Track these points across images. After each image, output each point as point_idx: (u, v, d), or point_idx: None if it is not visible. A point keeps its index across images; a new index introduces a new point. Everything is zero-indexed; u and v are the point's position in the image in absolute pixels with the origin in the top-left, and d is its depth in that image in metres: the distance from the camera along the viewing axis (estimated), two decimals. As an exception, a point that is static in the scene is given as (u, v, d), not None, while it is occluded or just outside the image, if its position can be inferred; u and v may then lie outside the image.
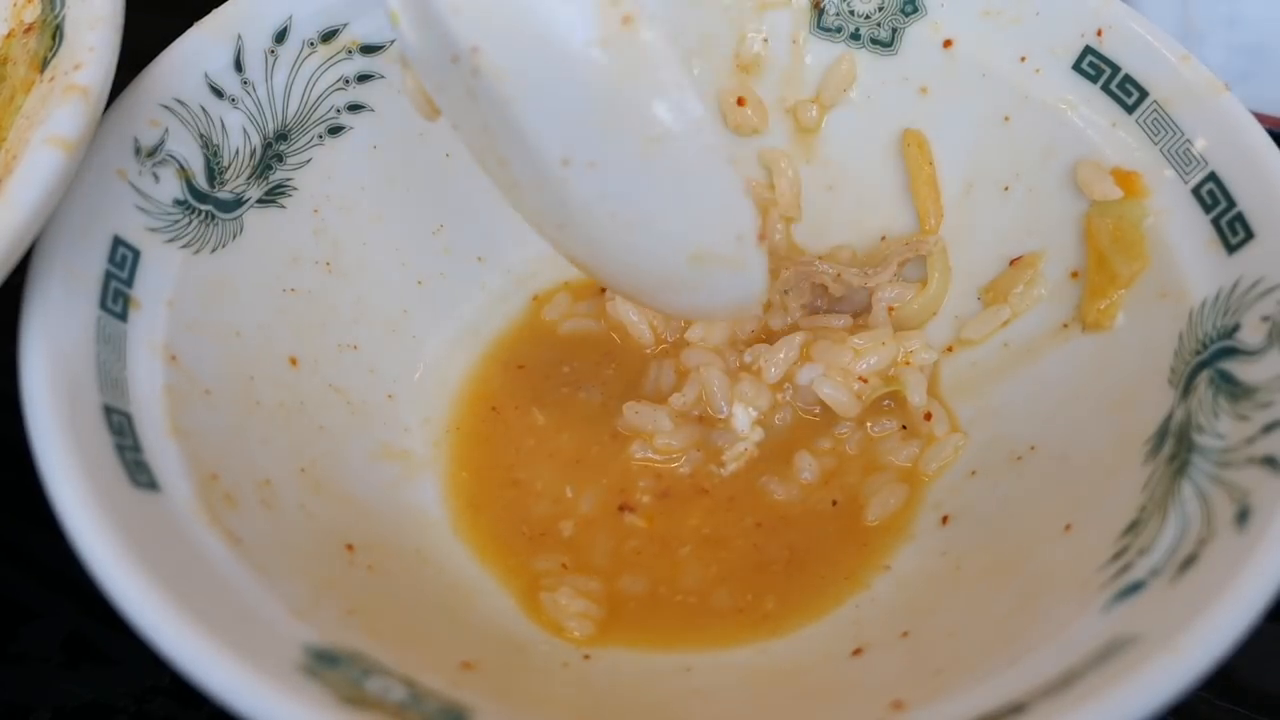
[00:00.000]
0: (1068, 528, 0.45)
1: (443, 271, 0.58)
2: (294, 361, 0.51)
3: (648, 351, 0.58)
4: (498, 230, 0.59)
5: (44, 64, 0.46)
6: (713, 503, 0.52)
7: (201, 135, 0.49)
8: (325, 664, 0.37)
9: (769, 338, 0.57)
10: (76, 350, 0.41)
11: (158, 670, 0.45)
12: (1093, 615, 0.39)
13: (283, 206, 0.52)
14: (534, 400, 0.56)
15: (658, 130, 0.40)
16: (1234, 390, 0.43)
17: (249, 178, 0.51)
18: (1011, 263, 0.55)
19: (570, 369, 0.57)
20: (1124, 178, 0.51)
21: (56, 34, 0.46)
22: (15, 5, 0.50)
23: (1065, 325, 0.52)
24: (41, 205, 0.40)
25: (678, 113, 0.40)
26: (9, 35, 0.49)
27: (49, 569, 0.53)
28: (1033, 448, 0.50)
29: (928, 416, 0.54)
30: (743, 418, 0.54)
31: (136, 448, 0.41)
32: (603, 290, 0.59)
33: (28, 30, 0.48)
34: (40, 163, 0.40)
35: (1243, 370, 0.43)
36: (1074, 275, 0.53)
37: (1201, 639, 0.35)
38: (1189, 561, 0.39)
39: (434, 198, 0.58)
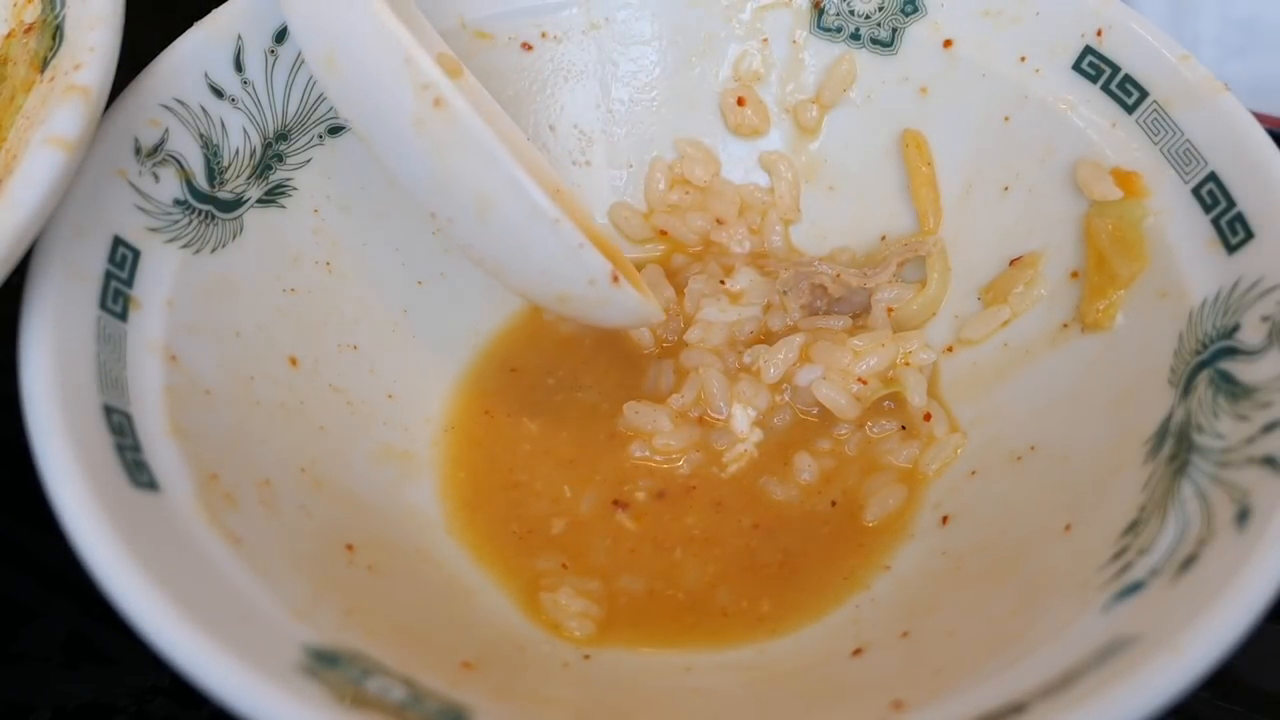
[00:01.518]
0: (1067, 528, 0.45)
1: (443, 271, 0.58)
2: (294, 361, 0.51)
3: (647, 352, 0.58)
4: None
5: (44, 64, 0.46)
6: (710, 503, 0.52)
7: (201, 135, 0.49)
8: (325, 664, 0.37)
9: (768, 338, 0.57)
10: (77, 350, 0.41)
11: (158, 670, 0.45)
12: (1093, 615, 0.39)
13: (283, 206, 0.52)
14: (524, 406, 0.56)
15: (483, 197, 0.44)
16: (1234, 390, 0.43)
17: (249, 177, 0.51)
18: (1011, 263, 0.55)
19: (566, 371, 0.57)
20: (1124, 178, 0.51)
21: (56, 34, 0.46)
22: (15, 5, 0.50)
23: (1065, 325, 0.52)
24: (41, 205, 0.40)
25: (497, 183, 0.44)
26: (9, 35, 0.49)
27: (49, 569, 0.52)
28: (1033, 448, 0.50)
29: (927, 417, 0.54)
30: (742, 418, 0.54)
31: (136, 447, 0.41)
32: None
33: (28, 30, 0.48)
34: (40, 163, 0.40)
35: (1243, 370, 0.43)
36: (1074, 275, 0.53)
37: (1201, 639, 0.35)
38: (1189, 561, 0.39)
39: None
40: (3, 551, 0.53)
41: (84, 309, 0.42)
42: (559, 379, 0.57)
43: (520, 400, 0.56)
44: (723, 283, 0.58)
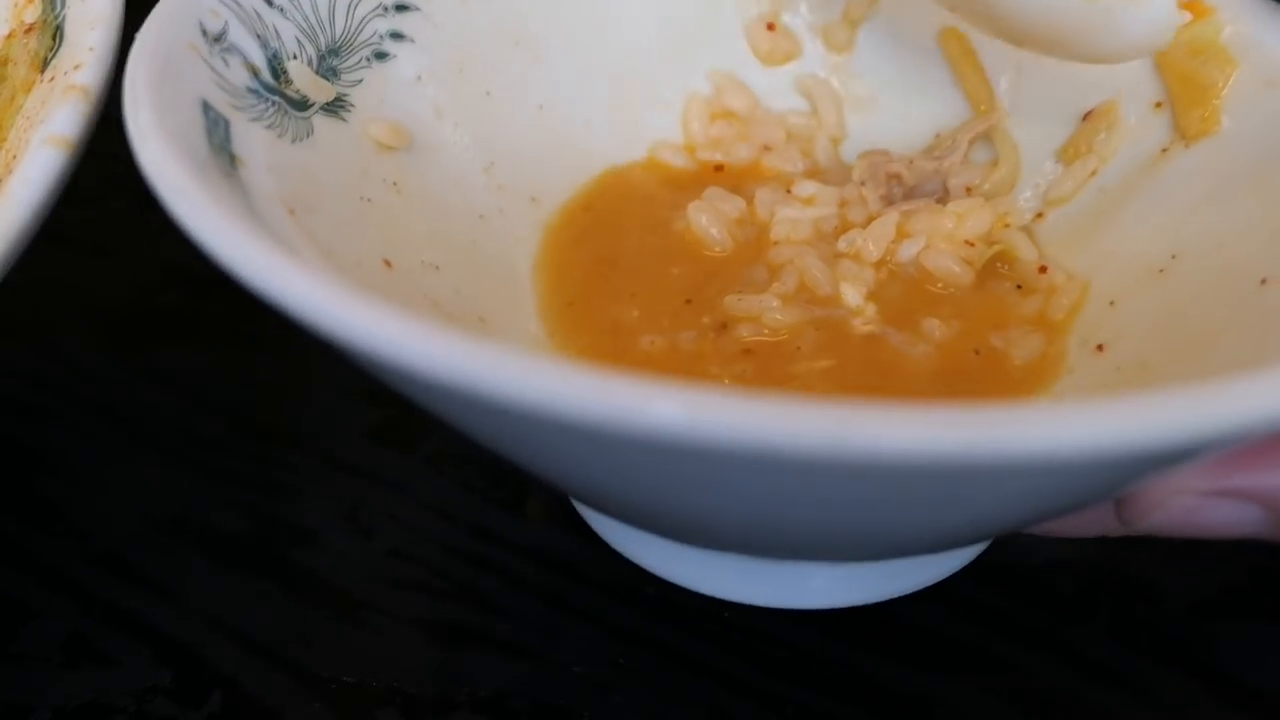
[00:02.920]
0: (1263, 282, 0.42)
1: (501, 208, 0.54)
2: (388, 264, 0.46)
3: (724, 256, 0.54)
4: (547, 169, 0.56)
5: (44, 64, 0.46)
6: (838, 362, 0.48)
7: (259, 35, 0.46)
8: None
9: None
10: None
11: (158, 670, 0.46)
12: None
13: (344, 120, 0.48)
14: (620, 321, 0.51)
15: None
16: None
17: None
18: (1085, 117, 0.54)
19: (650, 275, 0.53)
20: (1190, 3, 0.51)
21: (56, 34, 0.47)
22: (15, 5, 0.50)
23: (1165, 150, 0.51)
24: (42, 205, 0.40)
25: None
26: (9, 36, 0.50)
27: (49, 569, 0.50)
28: (1174, 256, 0.48)
29: (1043, 269, 0.52)
30: (852, 294, 0.51)
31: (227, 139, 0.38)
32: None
33: (28, 30, 0.49)
34: (40, 163, 0.40)
35: None
36: (1158, 106, 0.52)
37: None
38: None
39: (480, 134, 0.54)
40: (3, 551, 0.51)
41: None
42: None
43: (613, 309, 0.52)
44: (789, 191, 0.56)
